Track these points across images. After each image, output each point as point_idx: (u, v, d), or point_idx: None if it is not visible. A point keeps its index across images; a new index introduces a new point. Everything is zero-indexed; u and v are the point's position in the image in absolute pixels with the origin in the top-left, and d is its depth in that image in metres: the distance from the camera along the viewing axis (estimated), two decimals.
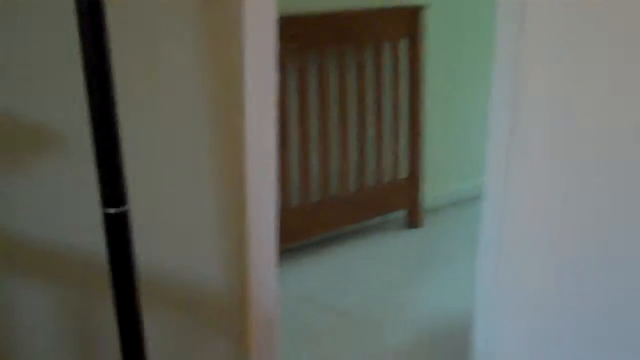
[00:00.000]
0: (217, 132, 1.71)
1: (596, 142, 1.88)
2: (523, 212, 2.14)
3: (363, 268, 3.32)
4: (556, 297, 2.07)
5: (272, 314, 1.86)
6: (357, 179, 3.52)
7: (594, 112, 1.87)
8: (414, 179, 3.71)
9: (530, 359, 2.19)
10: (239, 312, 1.85)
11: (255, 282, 1.79)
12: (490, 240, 2.25)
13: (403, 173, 3.72)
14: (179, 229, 1.71)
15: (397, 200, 3.69)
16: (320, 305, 2.97)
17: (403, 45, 3.54)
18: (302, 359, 2.58)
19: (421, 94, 3.62)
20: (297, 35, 3.10)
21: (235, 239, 1.78)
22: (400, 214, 3.83)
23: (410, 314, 2.90)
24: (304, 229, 3.34)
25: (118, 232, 1.24)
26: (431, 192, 3.94)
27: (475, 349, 2.43)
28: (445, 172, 4.05)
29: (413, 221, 3.77)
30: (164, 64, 1.61)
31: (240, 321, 1.85)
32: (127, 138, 1.57)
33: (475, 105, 4.05)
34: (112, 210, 1.22)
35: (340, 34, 3.28)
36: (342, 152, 3.41)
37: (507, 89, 2.11)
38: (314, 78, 3.25)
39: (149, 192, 1.66)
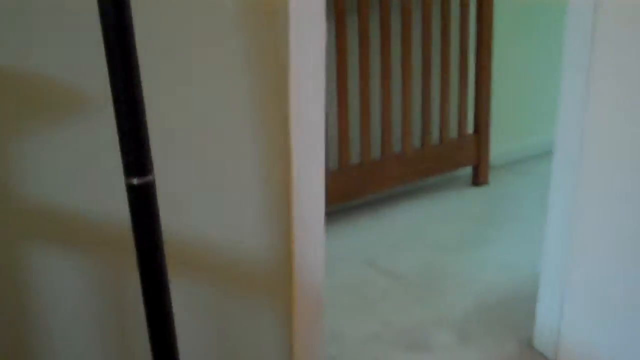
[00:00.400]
0: (260, 91, 1.59)
1: None
2: (598, 172, 1.97)
3: (425, 228, 3.19)
4: (633, 268, 1.92)
5: (318, 283, 1.76)
6: (421, 135, 3.37)
7: None
8: (480, 135, 3.54)
9: (597, 334, 2.05)
10: (283, 279, 1.75)
11: (300, 249, 1.70)
12: (561, 202, 2.11)
13: (469, 129, 3.55)
14: (220, 193, 1.62)
15: (462, 157, 3.53)
16: (377, 267, 2.86)
17: None
18: (356, 325, 2.49)
19: (489, 45, 3.42)
20: None
21: (280, 204, 1.68)
22: (466, 170, 3.68)
23: (472, 279, 2.77)
24: (365, 186, 3.22)
25: (141, 204, 1.15)
26: (497, 148, 3.77)
27: (538, 321, 2.30)
28: (512, 127, 3.87)
29: (479, 179, 3.61)
30: (200, 29, 1.50)
31: (285, 289, 1.76)
32: (169, 104, 1.48)
33: (546, 57, 3.84)
34: (135, 181, 1.12)
35: None
36: (405, 107, 3.25)
37: (581, 42, 1.94)
38: (375, 28, 3.09)
39: (189, 156, 1.56)
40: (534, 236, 3.07)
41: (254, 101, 1.59)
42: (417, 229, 3.17)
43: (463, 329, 2.44)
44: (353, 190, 3.19)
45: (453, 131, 3.51)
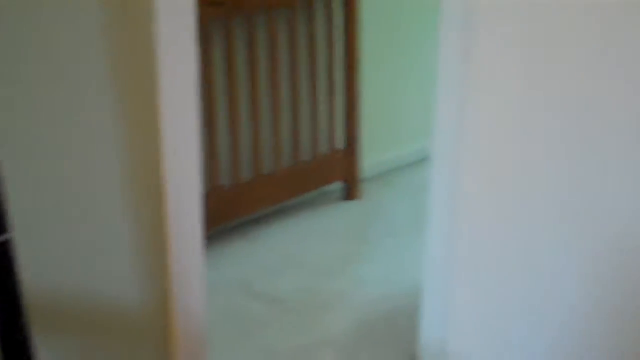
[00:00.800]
0: (127, 123, 1.48)
1: (550, 109, 1.73)
2: (475, 182, 1.98)
3: (300, 249, 3.13)
4: (513, 278, 1.93)
5: (199, 325, 1.66)
6: (292, 152, 3.32)
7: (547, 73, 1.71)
8: (351, 150, 3.53)
9: (482, 346, 2.06)
10: (162, 323, 1.64)
11: (179, 290, 1.59)
12: (440, 214, 2.10)
13: (340, 144, 3.53)
14: (87, 241, 1.49)
15: (334, 172, 3.51)
16: (255, 293, 2.78)
17: (337, 5, 3.33)
18: (235, 353, 2.39)
19: (357, 59, 3.41)
20: (221, 0, 2.85)
21: (154, 243, 1.57)
22: (337, 186, 3.66)
23: (352, 298, 2.74)
24: (236, 209, 3.13)
25: None
26: (366, 161, 3.78)
27: (422, 335, 2.29)
28: (380, 141, 3.89)
29: (351, 193, 3.60)
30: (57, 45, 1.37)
31: (164, 334, 1.65)
32: (18, 139, 1.35)
33: (411, 71, 3.90)
34: None
35: None
36: (275, 126, 3.19)
37: (455, 54, 1.94)
38: (242, 49, 3.01)
39: (51, 204, 1.43)
40: (411, 249, 3.08)
41: (121, 136, 1.48)
42: (293, 250, 3.11)
43: (348, 350, 2.40)
44: (225, 213, 3.09)
45: (324, 147, 3.48)
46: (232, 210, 3.10)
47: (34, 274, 1.40)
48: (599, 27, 1.58)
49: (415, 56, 3.89)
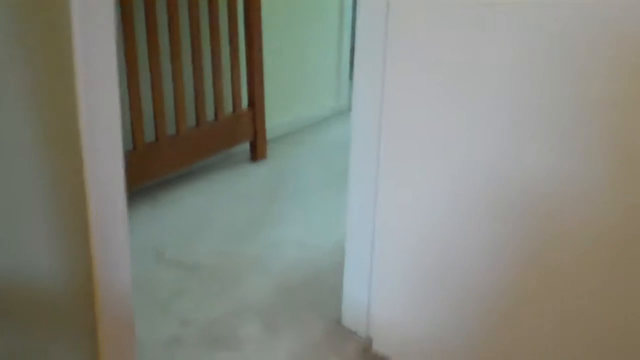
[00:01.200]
0: (43, 84, 1.34)
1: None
2: (397, 143, 1.93)
3: (211, 212, 3.03)
4: (437, 239, 1.90)
5: (125, 298, 1.55)
6: (195, 114, 3.19)
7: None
8: (255, 109, 3.43)
9: (406, 306, 2.03)
10: (86, 301, 1.52)
11: (102, 261, 1.47)
12: (362, 172, 2.05)
13: (244, 104, 3.43)
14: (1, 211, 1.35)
15: (239, 133, 3.40)
16: (167, 261, 2.66)
17: None
18: (153, 328, 2.28)
19: (258, 22, 3.30)
20: None
21: (74, 211, 1.44)
22: (243, 147, 3.55)
23: (269, 262, 2.66)
24: (141, 173, 2.98)
25: None
26: (271, 121, 3.70)
27: (345, 298, 2.25)
28: (284, 100, 3.81)
29: (257, 154, 3.51)
30: None
31: (89, 311, 1.53)
32: None
33: (312, 33, 3.83)
34: None
35: None
36: (177, 88, 3.05)
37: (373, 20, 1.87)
38: (139, 8, 2.84)
39: None
40: (322, 209, 3.03)
41: (36, 95, 1.33)
42: (203, 214, 3.01)
43: (268, 318, 2.33)
44: (129, 177, 2.93)
45: (228, 108, 3.37)
46: (136, 175, 2.94)
47: None
48: None
49: (317, 13, 3.82)
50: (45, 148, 1.36)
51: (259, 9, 3.29)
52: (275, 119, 3.74)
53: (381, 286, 2.10)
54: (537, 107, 1.60)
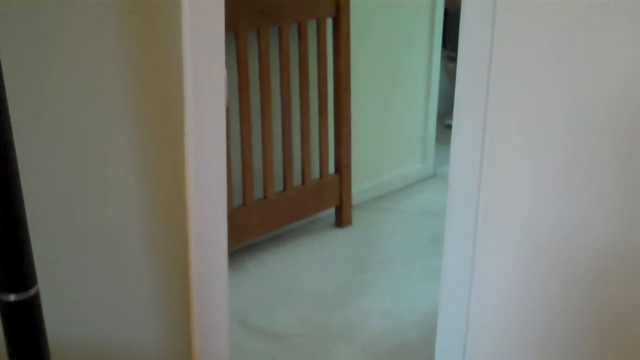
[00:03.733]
0: (151, 162, 1.33)
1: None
2: (498, 203, 1.86)
3: (294, 277, 2.98)
4: (537, 309, 1.81)
5: None
6: (283, 178, 3.18)
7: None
8: (341, 175, 3.40)
9: None
10: None
11: (202, 339, 1.44)
12: (459, 240, 1.97)
13: (330, 170, 3.41)
14: (110, 289, 1.33)
15: (325, 198, 3.38)
16: (253, 329, 2.61)
17: (328, 26, 3.22)
18: None
19: (347, 86, 3.31)
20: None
21: (177, 293, 1.42)
22: (329, 212, 3.52)
23: (355, 331, 2.59)
24: (228, 236, 2.96)
25: (21, 322, 0.86)
26: (357, 186, 3.67)
27: None
28: (371, 165, 3.78)
29: (342, 220, 3.47)
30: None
31: None
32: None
33: (400, 97, 3.81)
34: (12, 297, 0.84)
35: (261, 16, 2.92)
36: (266, 152, 3.05)
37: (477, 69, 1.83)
38: (231, 69, 2.87)
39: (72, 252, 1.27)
40: (408, 278, 2.96)
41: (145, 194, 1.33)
42: (287, 280, 2.96)
43: None
44: None
45: (315, 173, 3.35)
46: None
47: (55, 326, 1.24)
48: None
49: (404, 78, 3.80)
50: (153, 234, 1.35)
51: (347, 77, 3.29)
52: (360, 184, 3.71)
53: (477, 356, 2.01)
54: None
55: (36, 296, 0.85)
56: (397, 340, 2.52)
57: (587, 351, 1.73)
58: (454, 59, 4.32)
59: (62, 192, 1.25)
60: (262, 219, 3.09)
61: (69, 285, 1.27)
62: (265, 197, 3.09)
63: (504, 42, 1.74)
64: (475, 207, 1.91)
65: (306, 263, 3.12)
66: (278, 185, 3.19)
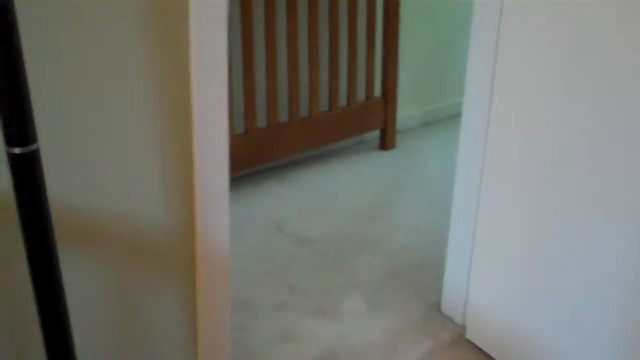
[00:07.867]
0: (158, 58, 1.49)
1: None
2: (505, 136, 1.96)
3: (334, 193, 3.15)
4: (537, 231, 1.92)
5: (222, 253, 1.70)
6: (329, 98, 3.32)
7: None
8: (387, 99, 3.51)
9: (503, 298, 2.06)
10: (185, 248, 1.67)
11: (204, 217, 1.62)
12: (469, 164, 2.10)
13: (377, 92, 3.52)
14: (116, 161, 1.52)
15: (370, 120, 3.50)
16: (286, 233, 2.81)
17: None
18: (265, 292, 2.43)
19: (397, 10, 3.38)
20: None
21: (182, 171, 1.59)
22: (373, 135, 3.65)
23: (381, 244, 2.75)
24: (271, 151, 3.14)
25: (25, 174, 1.05)
26: (403, 112, 3.77)
27: (445, 285, 2.30)
28: (417, 92, 3.87)
29: (386, 142, 3.60)
30: None
31: (187, 259, 1.69)
32: (59, 70, 1.37)
33: (451, 25, 3.85)
34: (17, 150, 1.02)
35: None
36: (312, 71, 3.19)
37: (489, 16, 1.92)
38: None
39: (81, 121, 1.45)
40: (444, 199, 3.08)
41: (152, 66, 1.49)
42: (326, 195, 3.13)
43: (372, 295, 2.43)
44: (259, 155, 3.12)
45: (361, 95, 3.48)
46: (267, 152, 3.12)
47: (58, 188, 1.43)
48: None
49: (457, 10, 3.84)
50: (161, 118, 1.52)
51: (397, 1, 3.36)
52: (407, 110, 3.81)
53: (480, 276, 2.14)
54: None
55: (37, 151, 1.03)
56: (419, 257, 2.67)
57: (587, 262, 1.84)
58: None
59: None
60: (306, 136, 3.25)
61: (72, 148, 1.45)
62: (310, 115, 3.24)
63: None
64: (484, 135, 2.01)
65: (345, 180, 3.27)
66: (323, 105, 3.33)
